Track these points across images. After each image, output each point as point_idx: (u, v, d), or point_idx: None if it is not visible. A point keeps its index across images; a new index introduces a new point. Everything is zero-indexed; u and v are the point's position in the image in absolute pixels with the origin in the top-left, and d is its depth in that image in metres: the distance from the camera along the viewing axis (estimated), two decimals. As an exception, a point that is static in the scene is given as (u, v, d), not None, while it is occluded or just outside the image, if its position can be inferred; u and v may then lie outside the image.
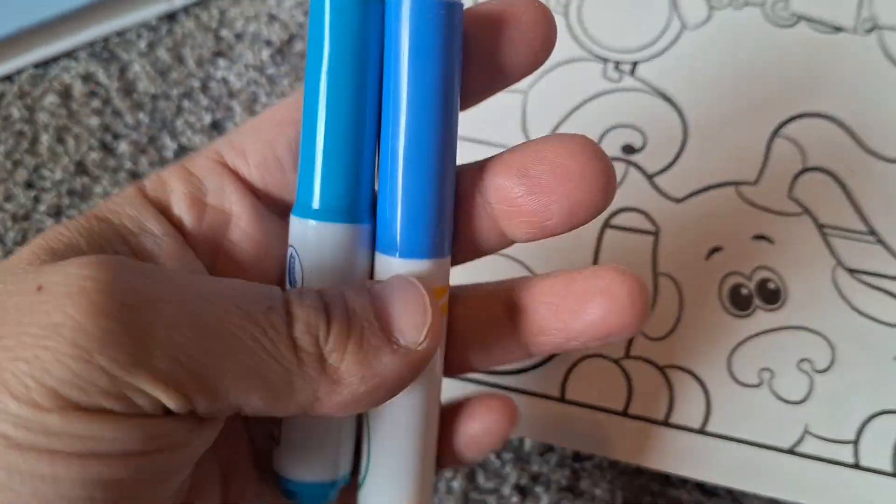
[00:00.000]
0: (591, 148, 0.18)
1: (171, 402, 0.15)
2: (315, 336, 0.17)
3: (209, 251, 0.19)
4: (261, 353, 0.16)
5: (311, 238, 0.18)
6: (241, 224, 0.19)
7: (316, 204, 0.18)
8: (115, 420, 0.15)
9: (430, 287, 0.18)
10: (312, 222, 0.18)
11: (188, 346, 0.15)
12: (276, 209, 0.20)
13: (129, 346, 0.14)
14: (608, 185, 0.18)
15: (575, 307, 0.19)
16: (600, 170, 0.18)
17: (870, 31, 0.29)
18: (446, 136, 0.18)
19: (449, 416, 0.22)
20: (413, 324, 0.17)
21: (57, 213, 0.35)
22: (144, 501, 0.16)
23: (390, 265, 0.18)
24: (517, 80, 0.19)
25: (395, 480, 0.20)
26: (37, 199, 0.36)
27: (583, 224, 0.19)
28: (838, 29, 0.30)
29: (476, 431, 0.21)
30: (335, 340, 0.17)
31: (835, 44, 0.29)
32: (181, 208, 0.19)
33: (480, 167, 0.19)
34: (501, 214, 0.19)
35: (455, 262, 0.20)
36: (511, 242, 0.20)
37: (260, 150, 0.19)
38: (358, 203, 0.18)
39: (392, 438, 0.19)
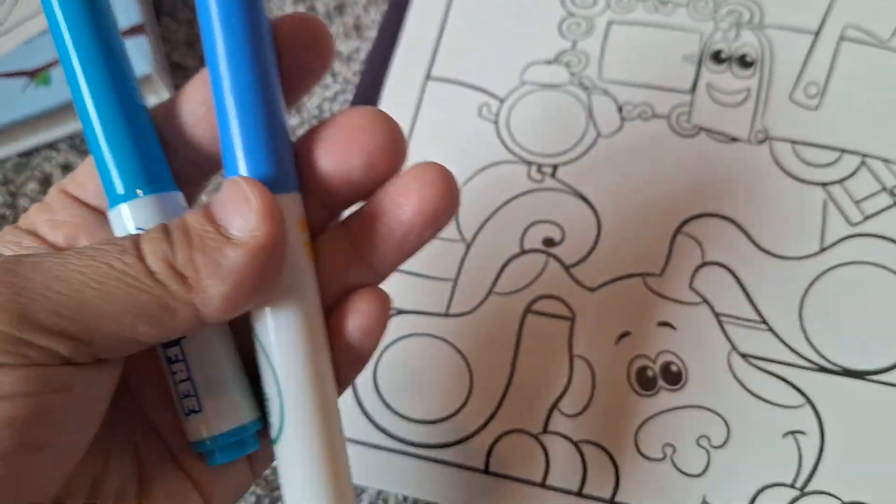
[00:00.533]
0: (377, 112, 0.21)
1: (63, 349, 0.18)
2: (166, 260, 0.19)
3: None
4: (128, 289, 0.18)
5: (123, 221, 0.21)
6: (89, 232, 0.22)
7: (119, 189, 0.21)
8: (13, 370, 0.18)
9: (255, 182, 0.19)
10: (123, 206, 0.21)
11: (63, 300, 0.18)
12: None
13: (15, 309, 0.18)
14: (396, 134, 0.21)
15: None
16: (386, 123, 0.21)
17: (762, 141, 0.33)
18: (265, 76, 0.20)
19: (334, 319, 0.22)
20: (239, 212, 0.19)
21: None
22: (53, 450, 0.18)
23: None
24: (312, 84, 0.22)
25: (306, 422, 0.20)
26: (12, 280, 0.38)
27: (385, 173, 0.21)
28: (734, 139, 0.33)
29: (359, 324, 0.22)
30: (182, 256, 0.19)
31: (731, 152, 0.33)
32: (44, 230, 0.22)
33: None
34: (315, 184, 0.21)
35: None
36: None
37: (93, 177, 0.22)
38: (153, 173, 0.21)
39: (292, 383, 0.20)
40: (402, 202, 0.21)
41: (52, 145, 0.41)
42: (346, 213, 0.23)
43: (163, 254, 0.19)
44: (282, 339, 0.20)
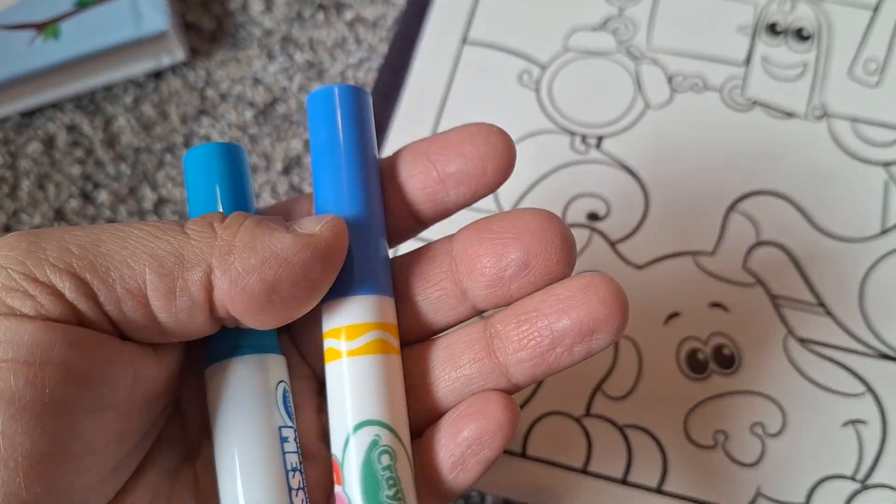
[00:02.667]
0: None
1: (68, 288, 0.16)
2: (208, 223, 0.18)
3: None
4: (147, 237, 0.17)
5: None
6: None
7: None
8: (29, 321, 0.16)
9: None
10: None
11: (76, 239, 0.17)
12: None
13: (24, 247, 0.17)
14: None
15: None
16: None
17: (820, 117, 0.32)
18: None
19: (424, 441, 0.20)
20: (309, 220, 0.18)
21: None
22: (86, 431, 0.16)
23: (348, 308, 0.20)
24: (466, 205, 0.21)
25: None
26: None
27: (543, 278, 0.19)
28: (790, 114, 0.32)
29: (475, 433, 0.19)
30: (230, 223, 0.18)
31: (787, 128, 0.32)
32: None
33: (448, 240, 0.21)
34: (465, 276, 0.20)
35: (429, 334, 0.21)
36: (475, 308, 0.21)
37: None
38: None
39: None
40: (562, 309, 0.19)
41: (56, 105, 0.39)
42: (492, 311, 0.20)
43: (208, 220, 0.18)
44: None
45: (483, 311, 0.21)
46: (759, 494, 0.27)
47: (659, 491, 0.27)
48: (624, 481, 0.28)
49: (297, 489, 0.19)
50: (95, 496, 0.17)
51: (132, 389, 0.18)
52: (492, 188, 0.20)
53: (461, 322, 0.21)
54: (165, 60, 0.39)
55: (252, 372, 0.19)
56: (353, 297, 0.19)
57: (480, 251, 0.19)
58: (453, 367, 0.20)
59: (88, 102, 0.39)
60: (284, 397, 0.20)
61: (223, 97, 0.39)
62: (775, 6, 0.33)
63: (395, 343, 0.20)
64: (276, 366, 0.20)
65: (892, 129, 0.31)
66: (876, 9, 0.33)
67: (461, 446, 0.19)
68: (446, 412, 0.20)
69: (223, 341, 0.20)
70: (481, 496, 0.31)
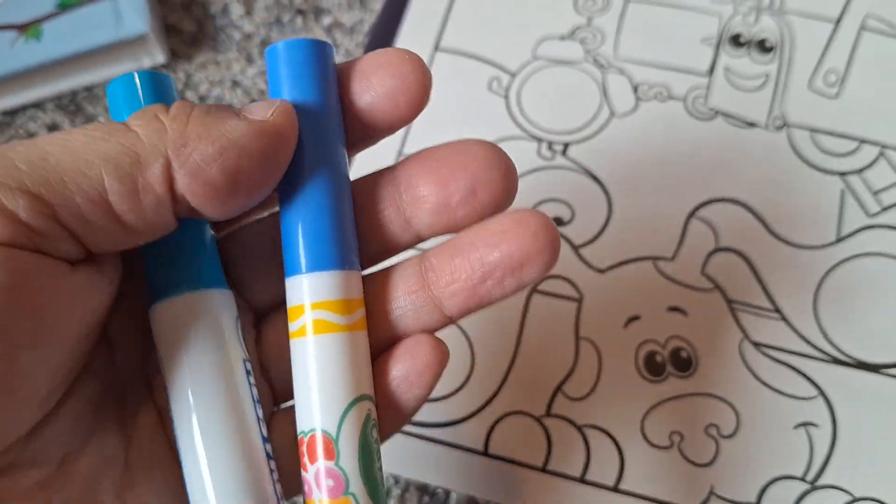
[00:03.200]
0: (490, 145, 0.19)
1: (20, 206, 0.16)
2: (153, 115, 0.17)
3: None
4: (94, 142, 0.16)
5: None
6: None
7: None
8: None
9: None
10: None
11: (22, 155, 0.16)
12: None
13: None
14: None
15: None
16: (498, 157, 0.19)
17: (780, 128, 0.32)
18: (338, 164, 0.19)
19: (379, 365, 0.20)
20: (259, 106, 0.18)
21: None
22: (35, 360, 0.16)
23: (299, 283, 0.19)
24: (394, 130, 0.20)
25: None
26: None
27: (488, 206, 0.19)
28: (752, 124, 0.33)
29: (402, 372, 0.20)
30: (177, 113, 0.17)
31: (748, 137, 0.32)
32: None
33: (391, 169, 0.20)
34: (409, 204, 0.20)
35: (371, 262, 0.21)
36: (418, 237, 0.21)
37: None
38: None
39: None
40: (493, 242, 0.19)
41: (37, 104, 0.40)
42: (429, 244, 0.21)
43: (151, 111, 0.17)
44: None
45: (426, 239, 0.21)
46: (712, 494, 0.28)
47: (616, 489, 0.28)
48: (582, 480, 0.28)
49: (262, 420, 0.20)
50: (19, 424, 0.17)
51: (74, 321, 0.17)
52: (406, 120, 0.19)
53: (404, 250, 0.21)
54: (146, 62, 0.40)
55: (210, 307, 0.19)
56: (346, 272, 0.19)
57: (425, 179, 0.19)
58: (389, 299, 0.20)
59: (69, 102, 0.40)
60: (238, 332, 0.20)
61: (202, 99, 0.39)
62: (739, 18, 0.34)
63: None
64: (229, 300, 0.20)
65: (850, 140, 0.32)
66: (837, 21, 0.34)
67: (392, 385, 0.20)
68: (382, 349, 0.20)
69: (169, 274, 0.20)
70: (446, 493, 0.31)
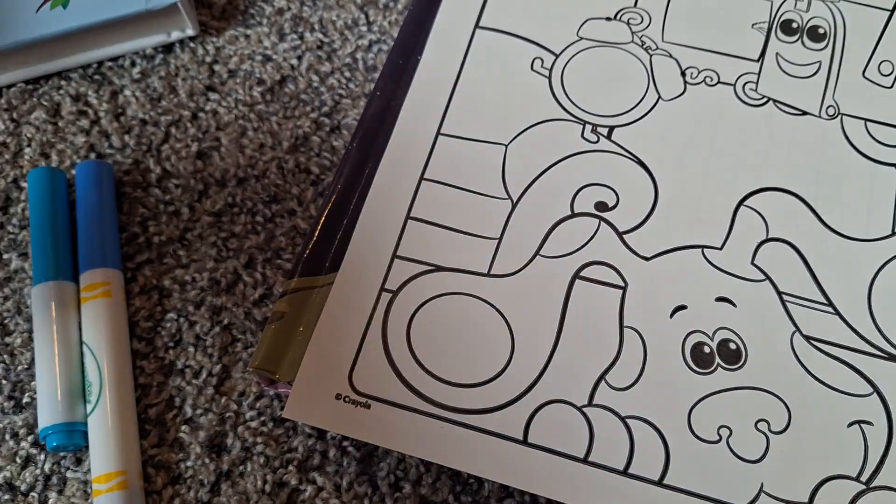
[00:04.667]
0: None
1: None
2: None
3: None
4: None
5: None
6: None
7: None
8: None
9: None
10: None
11: None
12: None
13: None
14: None
15: None
16: None
17: (833, 116, 0.31)
18: None
19: None
20: None
21: (28, 225, 0.34)
22: None
23: None
24: None
25: None
26: (5, 211, 0.36)
27: None
28: (804, 112, 0.32)
29: None
30: None
31: (800, 125, 0.31)
32: None
33: None
34: None
35: None
36: None
37: None
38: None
39: None
40: None
41: (61, 74, 0.39)
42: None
43: None
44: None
45: None
46: (762, 492, 0.27)
47: (661, 484, 0.27)
48: (625, 472, 0.27)
49: None
50: None
51: None
52: None
53: None
54: (175, 35, 0.38)
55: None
56: None
57: None
58: None
59: (95, 73, 0.38)
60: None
61: (231, 73, 0.38)
62: (791, 3, 0.33)
63: None
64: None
65: (906, 131, 0.31)
66: (893, 10, 0.33)
67: None
68: None
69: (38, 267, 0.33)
70: (479, 483, 0.30)
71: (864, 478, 0.27)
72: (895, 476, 0.26)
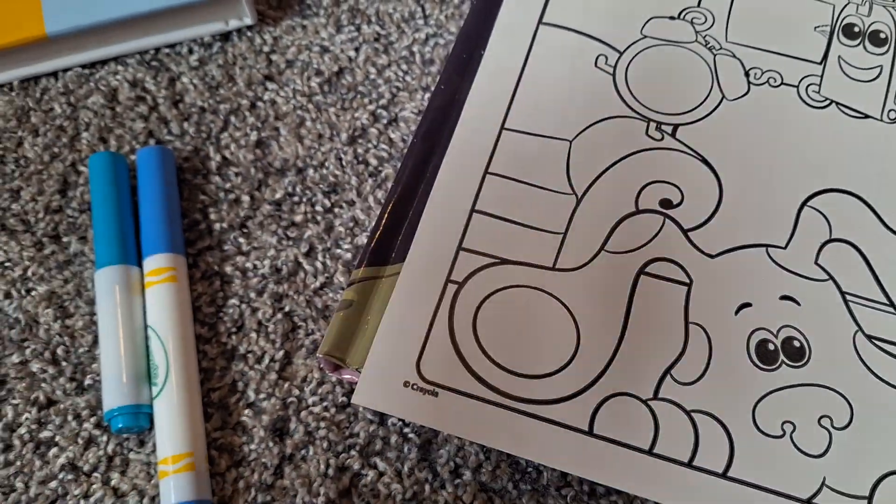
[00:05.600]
0: None
1: None
2: None
3: None
4: None
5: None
6: None
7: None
8: None
9: None
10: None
11: None
12: None
13: None
14: None
15: None
16: None
17: (894, 120, 0.32)
18: None
19: None
20: None
21: (88, 208, 0.35)
22: None
23: None
24: None
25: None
26: (63, 195, 0.36)
27: None
28: (866, 115, 0.32)
29: None
30: None
31: (862, 128, 0.32)
32: None
33: None
34: None
35: None
36: None
37: None
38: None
39: None
40: None
41: (118, 59, 0.39)
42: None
43: None
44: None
45: None
46: (824, 485, 0.27)
47: (725, 476, 0.27)
48: (690, 464, 0.28)
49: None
50: None
51: None
52: None
53: None
54: (232, 23, 0.39)
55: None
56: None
57: None
58: None
59: (152, 59, 0.39)
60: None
61: (289, 63, 0.38)
62: (853, 8, 0.34)
63: None
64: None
65: (966, 137, 0.32)
66: (953, 18, 0.33)
67: None
68: None
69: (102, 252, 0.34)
70: (537, 472, 0.31)
71: (926, 475, 0.27)
72: (957, 474, 0.27)
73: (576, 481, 0.31)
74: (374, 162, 0.36)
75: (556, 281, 0.30)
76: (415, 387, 0.29)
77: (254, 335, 0.33)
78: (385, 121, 0.37)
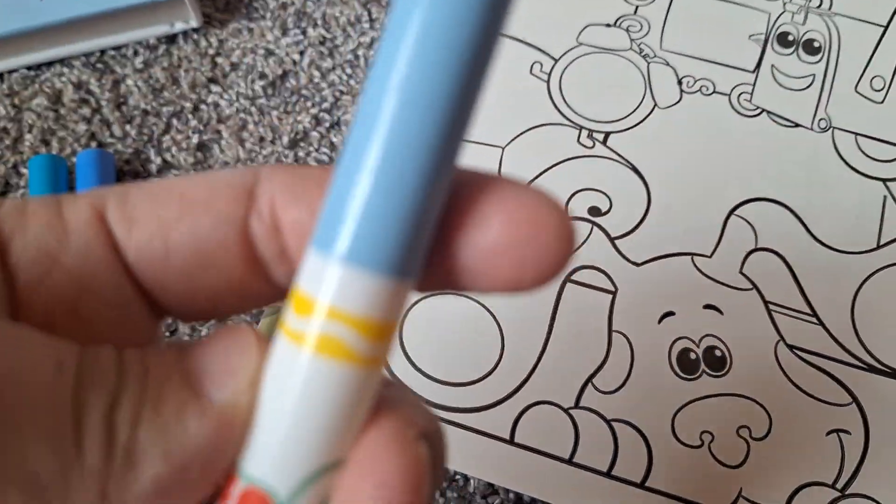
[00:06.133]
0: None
1: None
2: (107, 404, 0.12)
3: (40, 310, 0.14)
4: (34, 426, 0.11)
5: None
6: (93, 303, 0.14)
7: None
8: None
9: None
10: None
11: None
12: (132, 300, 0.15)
13: None
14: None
15: None
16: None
17: (825, 129, 0.32)
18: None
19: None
20: (225, 370, 0.13)
21: (30, 212, 0.35)
22: None
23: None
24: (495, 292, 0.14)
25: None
26: (4, 196, 0.36)
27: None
28: (796, 124, 0.32)
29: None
30: (129, 406, 0.12)
31: (792, 137, 0.32)
32: (22, 257, 0.14)
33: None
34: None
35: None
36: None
37: (149, 229, 0.14)
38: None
39: None
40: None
41: (63, 61, 0.39)
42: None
43: (108, 394, 0.12)
44: None
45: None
46: (740, 496, 0.27)
47: (643, 486, 0.28)
48: (609, 474, 0.28)
49: None
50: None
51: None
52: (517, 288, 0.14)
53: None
54: (178, 25, 0.39)
55: None
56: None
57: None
58: None
59: (97, 61, 0.39)
60: None
61: (234, 66, 0.38)
62: (788, 16, 0.34)
63: None
64: None
65: (894, 146, 0.32)
66: (886, 27, 0.33)
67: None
68: None
69: None
70: (465, 479, 0.31)
71: (839, 485, 0.27)
72: (870, 484, 0.27)
73: (502, 489, 0.31)
74: (314, 164, 0.36)
75: (483, 288, 0.30)
76: (338, 394, 0.29)
77: (186, 339, 0.33)
78: (327, 124, 0.37)
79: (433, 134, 0.12)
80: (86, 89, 0.38)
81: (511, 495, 0.31)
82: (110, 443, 0.12)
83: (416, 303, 0.30)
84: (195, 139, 0.37)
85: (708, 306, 0.30)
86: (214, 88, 0.38)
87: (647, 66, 0.33)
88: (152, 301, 0.15)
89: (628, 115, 0.33)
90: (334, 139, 0.37)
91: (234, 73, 0.38)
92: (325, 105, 0.37)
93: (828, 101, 0.32)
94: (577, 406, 0.29)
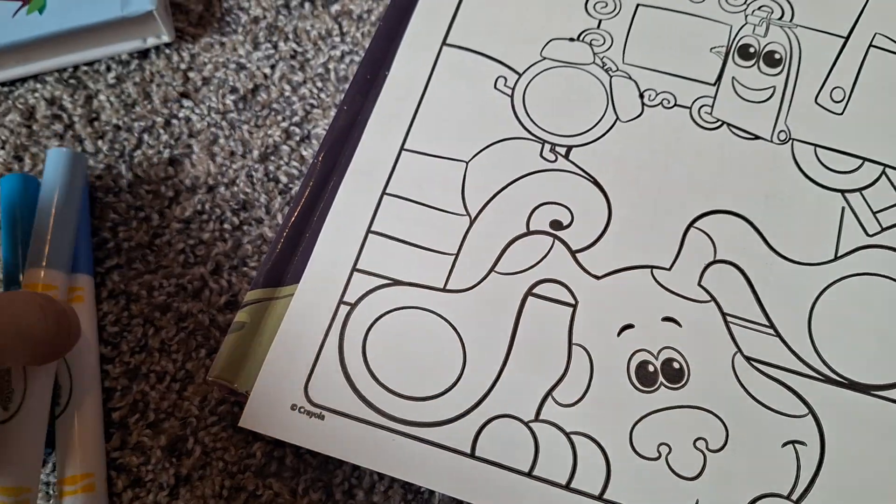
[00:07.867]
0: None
1: None
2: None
3: None
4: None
5: None
6: None
7: None
8: None
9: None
10: None
11: None
12: None
13: None
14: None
15: None
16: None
17: (784, 142, 0.32)
18: None
19: None
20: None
21: None
22: None
23: None
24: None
25: None
26: (-16, 213, 0.36)
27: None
28: (756, 136, 0.32)
29: None
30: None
31: (752, 149, 0.32)
32: None
33: None
34: None
35: None
36: None
37: None
38: None
39: None
40: None
41: (38, 77, 0.39)
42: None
43: None
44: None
45: None
46: (696, 507, 0.28)
47: (601, 499, 0.28)
48: (568, 486, 0.28)
49: None
50: None
51: None
52: None
53: None
54: (150, 41, 0.39)
55: None
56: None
57: None
58: None
59: (70, 77, 0.39)
60: None
61: (206, 81, 0.39)
62: (750, 29, 0.34)
63: None
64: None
65: (853, 158, 0.32)
66: (846, 39, 0.34)
67: None
68: None
69: None
70: (430, 492, 0.31)
71: (794, 496, 0.28)
72: (825, 496, 0.28)
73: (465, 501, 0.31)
74: (284, 179, 0.37)
75: (445, 302, 0.31)
76: (301, 410, 0.29)
77: (156, 354, 0.33)
78: (297, 138, 0.37)
79: None
80: (59, 105, 0.38)
81: (475, 507, 0.31)
82: None
83: (380, 317, 0.30)
84: (166, 154, 0.37)
85: (667, 318, 0.30)
86: (186, 103, 0.38)
87: (610, 80, 0.33)
88: None
89: (590, 129, 0.33)
90: (304, 153, 0.37)
91: (206, 88, 0.39)
92: (296, 119, 0.38)
93: (787, 112, 0.33)
94: (537, 419, 0.29)
